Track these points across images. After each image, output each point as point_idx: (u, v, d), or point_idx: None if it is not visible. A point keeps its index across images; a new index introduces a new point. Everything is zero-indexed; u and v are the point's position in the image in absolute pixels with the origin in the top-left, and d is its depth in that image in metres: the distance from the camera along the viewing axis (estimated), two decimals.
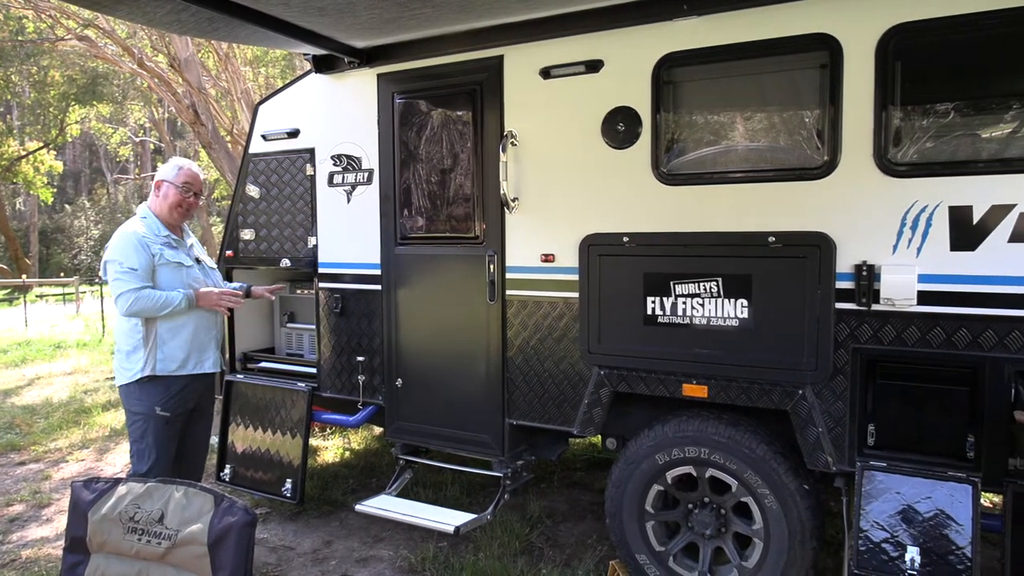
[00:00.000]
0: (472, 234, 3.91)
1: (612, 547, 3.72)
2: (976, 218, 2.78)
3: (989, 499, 3.95)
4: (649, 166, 3.38)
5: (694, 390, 3.33)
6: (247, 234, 4.78)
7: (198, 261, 3.77)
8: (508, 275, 3.80)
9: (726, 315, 3.24)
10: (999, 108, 2.89)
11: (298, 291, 4.95)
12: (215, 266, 3.99)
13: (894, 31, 2.87)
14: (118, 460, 5.95)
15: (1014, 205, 2.72)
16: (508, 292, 3.80)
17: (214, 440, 5.06)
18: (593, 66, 3.48)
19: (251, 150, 4.75)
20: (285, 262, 4.62)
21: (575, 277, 3.59)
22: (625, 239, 3.44)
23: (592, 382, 3.57)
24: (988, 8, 2.71)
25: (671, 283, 3.34)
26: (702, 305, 3.29)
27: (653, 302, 3.39)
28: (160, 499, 2.89)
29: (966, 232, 2.80)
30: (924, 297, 2.88)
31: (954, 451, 2.88)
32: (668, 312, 3.36)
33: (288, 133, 4.55)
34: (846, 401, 3.05)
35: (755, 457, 3.20)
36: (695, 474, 3.37)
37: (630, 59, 3.39)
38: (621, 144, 3.44)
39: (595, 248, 3.51)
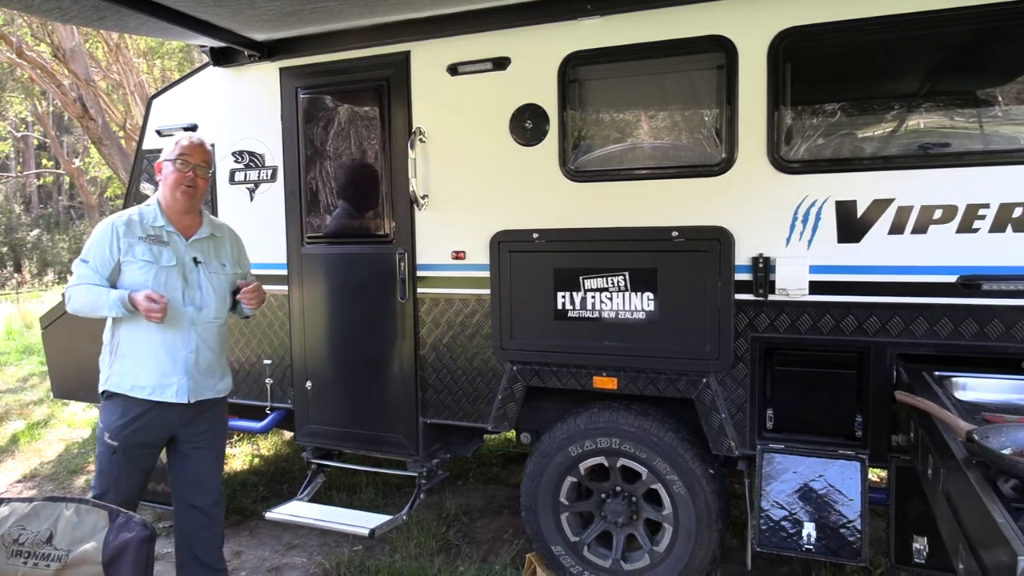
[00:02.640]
0: (381, 232, 3.85)
1: (528, 540, 3.76)
2: (860, 212, 2.96)
3: (876, 474, 4.22)
4: (557, 163, 3.42)
5: (604, 382, 3.40)
6: None
7: (197, 262, 2.99)
8: (419, 273, 3.76)
9: (633, 308, 3.32)
10: (880, 109, 3.09)
11: None
12: (230, 272, 3.11)
13: (784, 34, 3.01)
14: (1, 479, 5.54)
15: (893, 199, 2.91)
16: (419, 290, 3.77)
17: None
18: (500, 63, 3.50)
19: (145, 146, 4.51)
20: None
21: (486, 274, 3.59)
22: (535, 235, 3.47)
23: (505, 378, 3.59)
24: (869, 15, 2.89)
25: (580, 278, 3.40)
26: (610, 299, 3.36)
27: (563, 297, 3.44)
28: (48, 518, 2.70)
29: (851, 225, 2.98)
30: (815, 287, 3.04)
31: (844, 431, 3.06)
32: (578, 307, 3.42)
33: (185, 129, 4.34)
34: (746, 388, 3.19)
35: (663, 445, 3.30)
36: (607, 464, 3.45)
37: (536, 57, 3.43)
38: (529, 141, 3.47)
39: (505, 245, 3.53)
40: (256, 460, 5.70)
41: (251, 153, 4.16)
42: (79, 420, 6.98)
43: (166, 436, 3.00)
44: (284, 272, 4.10)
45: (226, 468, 5.51)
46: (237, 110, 4.19)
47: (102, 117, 10.68)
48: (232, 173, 4.21)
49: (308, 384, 4.09)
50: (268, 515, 4.01)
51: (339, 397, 4.03)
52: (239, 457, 5.75)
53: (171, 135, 4.37)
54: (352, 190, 3.94)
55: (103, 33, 11.18)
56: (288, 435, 5.85)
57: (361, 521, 3.87)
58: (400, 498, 4.66)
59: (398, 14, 3.53)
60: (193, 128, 4.31)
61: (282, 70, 4.01)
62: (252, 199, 4.17)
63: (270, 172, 4.11)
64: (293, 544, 4.25)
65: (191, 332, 2.97)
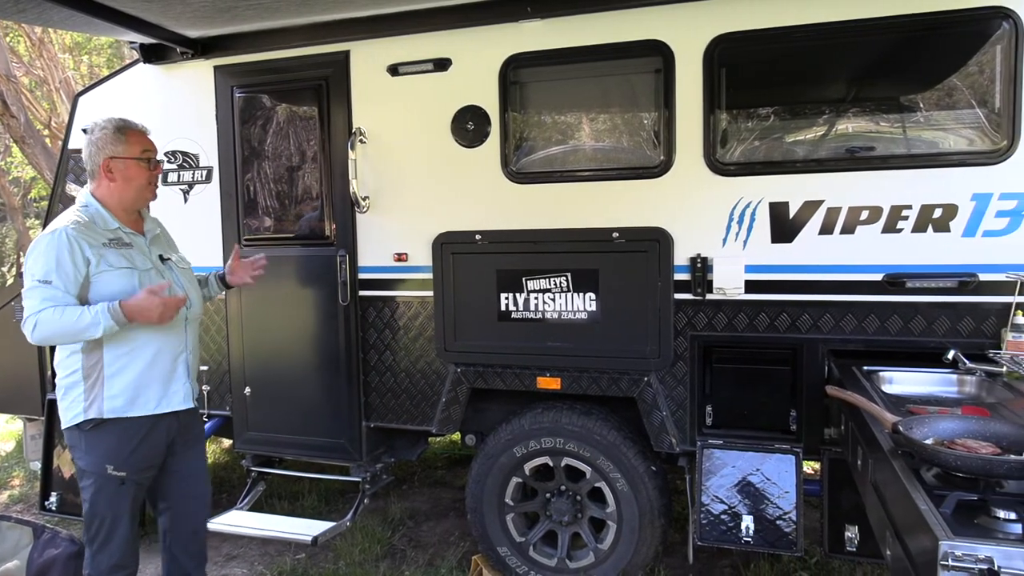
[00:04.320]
0: (321, 234, 3.79)
1: (474, 542, 3.75)
2: (792, 213, 3.06)
3: (810, 466, 4.36)
4: (499, 165, 3.43)
5: (548, 383, 3.42)
6: None
7: (163, 259, 2.78)
8: (361, 275, 3.72)
9: (576, 309, 3.35)
10: (810, 113, 3.20)
11: None
12: (188, 264, 2.97)
13: (718, 40, 3.09)
14: None
15: (823, 201, 3.02)
16: (361, 293, 3.73)
17: (36, 466, 4.59)
18: (441, 64, 3.48)
19: (71, 145, 4.33)
20: None
21: (429, 276, 3.57)
22: (477, 237, 3.47)
23: (449, 380, 3.58)
24: (799, 22, 2.98)
25: (523, 279, 3.42)
26: (553, 300, 3.38)
27: (506, 298, 3.44)
28: None
29: (784, 226, 3.07)
30: (750, 286, 3.13)
31: (780, 425, 3.16)
32: (521, 308, 3.43)
33: None
34: (686, 385, 3.26)
35: (606, 443, 3.34)
36: (551, 464, 3.47)
37: (478, 59, 3.42)
38: (471, 143, 3.47)
39: (448, 246, 3.52)
40: None
41: (184, 153, 4.03)
42: (1, 432, 6.65)
43: (165, 450, 2.78)
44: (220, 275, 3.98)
45: None
46: (169, 109, 4.06)
47: (24, 115, 10.19)
48: (165, 174, 4.07)
49: (247, 390, 3.99)
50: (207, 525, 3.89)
51: (279, 403, 3.94)
52: None
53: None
54: (291, 191, 3.87)
55: (25, 27, 10.68)
56: (227, 443, 5.70)
57: (303, 529, 3.80)
58: (344, 504, 4.59)
59: (337, 13, 3.48)
60: None
61: (217, 68, 3.91)
62: (186, 200, 4.05)
63: (205, 173, 4.00)
64: (233, 555, 4.14)
65: (186, 332, 2.81)
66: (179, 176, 4.05)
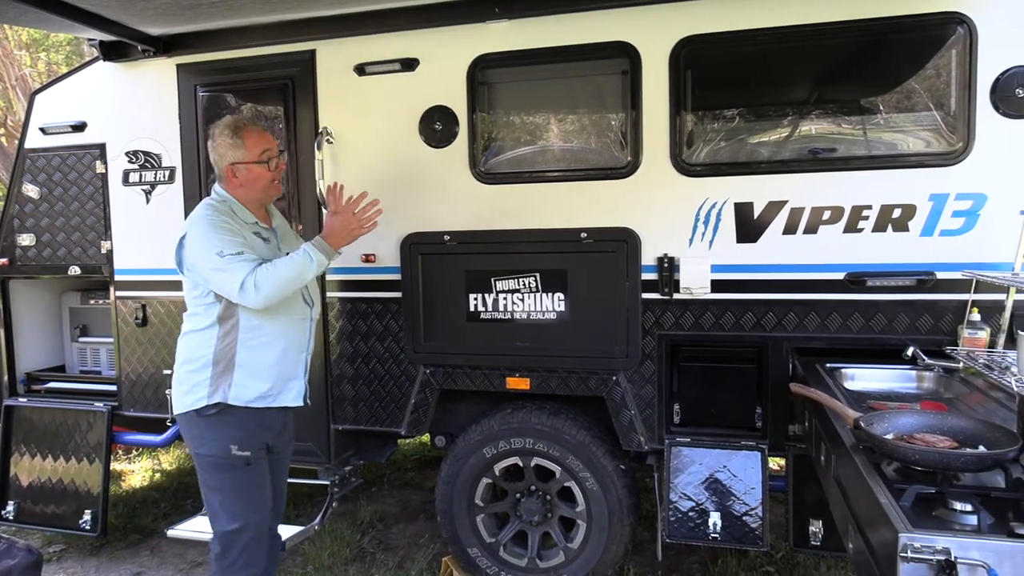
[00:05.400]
0: None
1: (445, 544, 3.74)
2: (756, 213, 3.10)
3: (776, 462, 4.43)
4: (467, 165, 3.42)
5: (517, 383, 3.43)
6: (26, 239, 4.24)
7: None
8: (328, 276, 3.67)
9: (545, 309, 3.36)
10: (774, 115, 3.25)
11: (91, 301, 4.48)
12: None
13: (684, 42, 3.12)
14: None
15: (786, 201, 3.06)
16: (328, 294, 3.69)
17: None
18: (409, 64, 3.47)
19: (27, 145, 4.22)
20: (74, 269, 4.16)
21: (397, 276, 3.55)
22: (446, 237, 3.46)
23: (418, 381, 3.56)
24: (762, 26, 3.03)
25: (492, 280, 3.41)
26: (522, 300, 3.39)
27: (475, 299, 3.44)
28: None
29: (749, 226, 3.11)
30: (716, 285, 3.16)
31: (745, 423, 3.20)
32: (490, 308, 3.43)
33: (73, 127, 4.09)
34: (654, 384, 3.28)
35: (576, 443, 3.36)
36: (521, 464, 3.48)
37: (445, 59, 3.41)
38: (439, 143, 3.45)
39: (416, 247, 3.50)
40: (157, 475, 5.42)
41: (146, 153, 3.95)
42: None
43: (269, 440, 2.82)
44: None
45: (124, 485, 5.23)
46: (130, 107, 3.97)
47: None
48: (126, 174, 3.99)
49: None
50: (170, 532, 3.82)
51: None
52: (138, 473, 5.45)
53: (59, 133, 4.12)
54: None
55: None
56: None
57: None
58: (312, 508, 4.54)
59: (302, 12, 3.44)
60: (81, 127, 4.07)
61: (179, 67, 3.84)
62: (148, 201, 3.97)
63: (167, 173, 3.92)
64: (198, 562, 4.07)
65: (310, 331, 2.89)
66: (141, 176, 3.97)
